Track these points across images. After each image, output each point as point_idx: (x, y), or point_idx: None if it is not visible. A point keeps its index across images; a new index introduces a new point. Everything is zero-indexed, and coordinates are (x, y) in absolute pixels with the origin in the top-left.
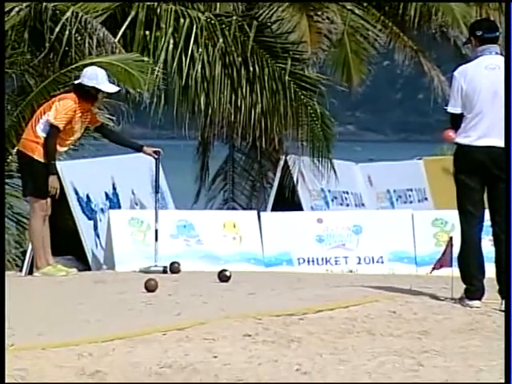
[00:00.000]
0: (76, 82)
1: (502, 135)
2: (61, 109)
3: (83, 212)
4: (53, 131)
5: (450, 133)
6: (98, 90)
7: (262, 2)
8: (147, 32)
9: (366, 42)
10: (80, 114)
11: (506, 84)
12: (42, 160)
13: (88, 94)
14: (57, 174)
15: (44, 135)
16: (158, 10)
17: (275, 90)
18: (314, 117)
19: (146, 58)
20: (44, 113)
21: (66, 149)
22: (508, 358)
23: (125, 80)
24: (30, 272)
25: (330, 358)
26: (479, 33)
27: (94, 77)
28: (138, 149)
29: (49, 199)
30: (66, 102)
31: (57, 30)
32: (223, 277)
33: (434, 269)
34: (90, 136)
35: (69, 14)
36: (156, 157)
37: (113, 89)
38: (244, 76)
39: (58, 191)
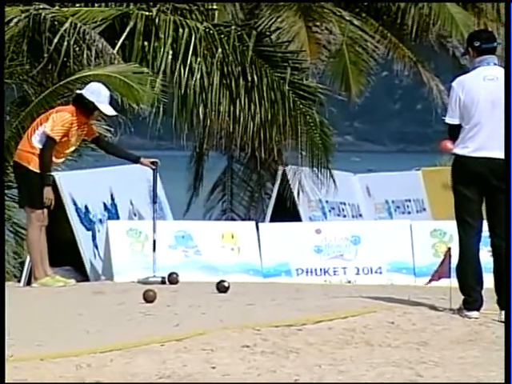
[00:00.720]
0: (78, 91)
1: (501, 146)
2: (58, 121)
3: (81, 223)
4: (49, 143)
5: (448, 143)
6: (96, 107)
7: (263, 1)
8: (146, 42)
9: (365, 53)
10: (76, 127)
11: (506, 92)
12: (37, 171)
13: (85, 107)
14: (52, 185)
15: (40, 146)
16: (157, 21)
17: (274, 100)
18: (312, 126)
19: (145, 69)
20: (41, 124)
21: (61, 160)
22: (508, 369)
23: (126, 94)
24: (29, 283)
25: (328, 368)
26: (477, 43)
27: (97, 93)
28: (135, 160)
29: (45, 210)
30: (63, 115)
31: (55, 40)
32: (221, 287)
33: (431, 280)
34: (88, 147)
35: (67, 24)
36: (153, 167)
37: (110, 112)
38: (242, 86)
39: (53, 202)
